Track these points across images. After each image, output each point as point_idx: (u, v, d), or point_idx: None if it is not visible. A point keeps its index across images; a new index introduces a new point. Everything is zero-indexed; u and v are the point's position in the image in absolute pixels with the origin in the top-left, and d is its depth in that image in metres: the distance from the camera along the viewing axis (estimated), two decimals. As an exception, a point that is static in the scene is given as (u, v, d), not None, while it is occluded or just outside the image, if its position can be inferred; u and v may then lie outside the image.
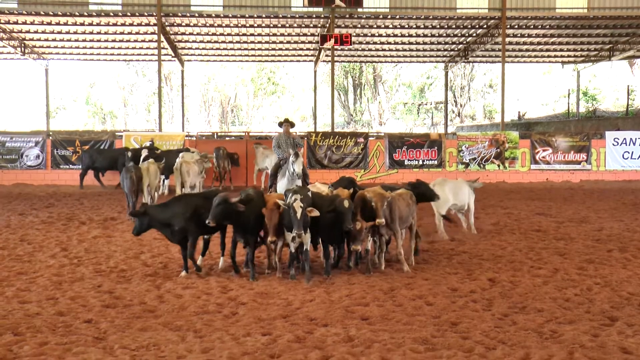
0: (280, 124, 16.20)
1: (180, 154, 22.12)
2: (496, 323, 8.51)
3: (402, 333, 8.07)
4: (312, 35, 35.15)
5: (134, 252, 13.16)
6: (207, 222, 10.58)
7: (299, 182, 14.31)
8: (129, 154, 24.14)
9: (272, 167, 16.16)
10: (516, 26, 33.57)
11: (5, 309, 9.17)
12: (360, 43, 36.90)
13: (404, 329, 8.23)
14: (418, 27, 33.91)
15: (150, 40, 35.71)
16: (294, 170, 14.43)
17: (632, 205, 20.80)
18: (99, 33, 34.55)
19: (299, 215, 10.24)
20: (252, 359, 7.28)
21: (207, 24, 33.31)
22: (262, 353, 7.45)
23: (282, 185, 14.71)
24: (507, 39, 34.44)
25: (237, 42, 36.90)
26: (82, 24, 32.74)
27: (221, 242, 11.65)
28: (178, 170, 20.56)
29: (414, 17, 31.61)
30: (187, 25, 33.59)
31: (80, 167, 27.59)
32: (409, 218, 11.76)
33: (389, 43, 37.48)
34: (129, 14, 31.03)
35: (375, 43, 37.48)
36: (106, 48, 37.73)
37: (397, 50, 39.20)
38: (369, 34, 35.32)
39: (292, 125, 16.12)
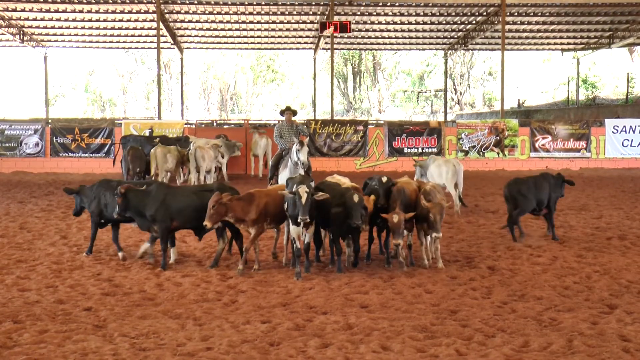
0: (282, 112, 15.36)
1: (193, 140, 22.75)
2: (495, 311, 8.52)
3: (402, 321, 8.09)
4: (312, 22, 35.04)
5: (133, 240, 13.17)
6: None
7: (302, 173, 13.89)
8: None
9: (274, 158, 15.30)
10: (516, 13, 33.50)
11: (5, 296, 9.18)
12: (360, 30, 36.79)
13: (403, 317, 8.24)
14: (417, 15, 33.83)
15: (150, 28, 35.59)
16: (298, 158, 13.66)
17: (631, 193, 20.81)
18: (97, 20, 34.44)
19: (304, 200, 10.03)
20: (252, 347, 7.29)
21: (207, 11, 33.21)
22: (261, 341, 7.46)
23: (284, 176, 13.92)
24: (507, 27, 34.34)
25: (237, 29, 36.79)
26: (81, 11, 32.66)
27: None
28: (193, 155, 20.92)
29: (414, 4, 31.55)
30: (187, 12, 33.50)
31: (79, 154, 27.67)
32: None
33: (389, 30, 37.39)
34: (127, 1, 30.95)
35: (374, 30, 37.39)
36: (105, 35, 37.59)
37: (397, 37, 39.08)
38: (369, 21, 35.23)
39: (294, 113, 15.39)
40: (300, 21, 35.17)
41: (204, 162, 21.03)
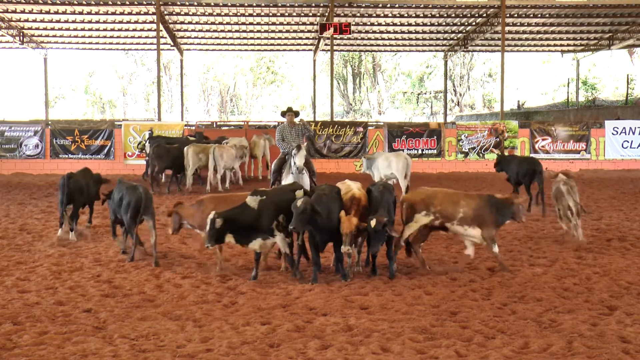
0: (284, 114, 14.94)
1: (225, 140, 23.89)
2: (495, 312, 8.53)
3: (402, 322, 8.09)
4: (312, 24, 35.03)
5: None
6: None
7: (306, 179, 13.53)
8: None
9: (275, 162, 14.78)
10: (516, 15, 33.49)
11: (5, 298, 9.19)
12: (360, 32, 36.78)
13: (403, 319, 8.24)
14: (417, 16, 33.81)
15: (149, 29, 35.58)
16: (294, 163, 13.44)
17: (631, 195, 20.81)
18: (97, 22, 34.43)
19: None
20: (252, 349, 7.29)
21: (206, 13, 33.20)
22: (261, 342, 7.46)
23: (288, 181, 13.53)
24: (507, 28, 34.34)
25: (237, 31, 36.78)
26: (81, 13, 32.63)
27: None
28: (212, 154, 21.39)
29: (414, 5, 31.53)
30: (186, 14, 33.49)
31: (79, 156, 27.74)
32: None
33: (389, 32, 37.38)
34: (127, 2, 30.95)
35: (374, 32, 37.37)
36: (105, 37, 37.57)
37: (397, 39, 39.07)
38: (369, 23, 35.22)
39: (296, 114, 14.99)
40: (300, 23, 35.17)
41: (222, 160, 21.46)
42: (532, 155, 28.50)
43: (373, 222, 9.73)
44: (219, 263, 10.88)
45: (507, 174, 18.17)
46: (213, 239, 9.79)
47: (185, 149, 21.61)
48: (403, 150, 28.60)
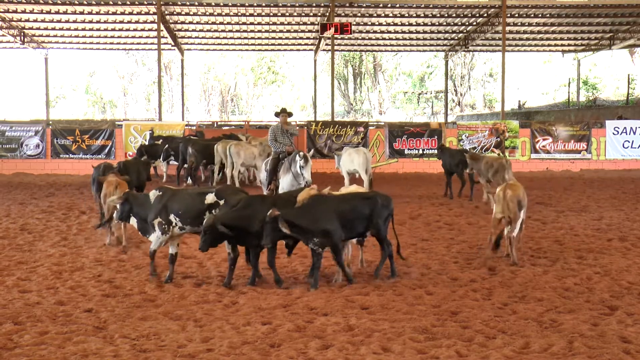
0: (278, 114, 15.00)
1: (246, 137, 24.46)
2: (496, 312, 8.52)
3: (402, 322, 8.08)
4: (312, 24, 35.04)
5: (134, 241, 13.14)
6: None
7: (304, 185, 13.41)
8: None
9: (271, 162, 14.86)
10: (516, 15, 33.48)
11: (6, 298, 9.19)
12: (361, 32, 36.77)
13: (404, 318, 8.24)
14: (418, 16, 33.80)
15: (150, 29, 35.61)
16: (303, 176, 13.48)
17: (632, 195, 20.79)
18: (98, 22, 34.44)
19: None
20: (253, 348, 7.29)
21: (207, 13, 33.21)
22: (262, 342, 7.46)
23: (286, 181, 13.80)
24: (508, 28, 34.31)
25: (237, 31, 36.79)
26: (82, 13, 32.64)
27: None
28: (228, 151, 21.62)
29: (414, 5, 31.53)
30: (187, 14, 33.50)
31: (80, 156, 27.73)
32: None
33: (389, 32, 37.37)
34: (128, 2, 30.96)
35: (375, 32, 37.37)
36: (106, 37, 37.59)
37: (397, 39, 39.06)
38: (369, 23, 35.21)
39: (289, 115, 15.13)
40: (301, 22, 35.17)
41: (239, 158, 21.58)
42: (533, 155, 28.57)
43: (268, 213, 9.51)
44: (123, 241, 12.67)
45: (442, 163, 20.66)
46: (117, 214, 10.55)
47: (215, 145, 22.01)
48: (404, 150, 28.64)
